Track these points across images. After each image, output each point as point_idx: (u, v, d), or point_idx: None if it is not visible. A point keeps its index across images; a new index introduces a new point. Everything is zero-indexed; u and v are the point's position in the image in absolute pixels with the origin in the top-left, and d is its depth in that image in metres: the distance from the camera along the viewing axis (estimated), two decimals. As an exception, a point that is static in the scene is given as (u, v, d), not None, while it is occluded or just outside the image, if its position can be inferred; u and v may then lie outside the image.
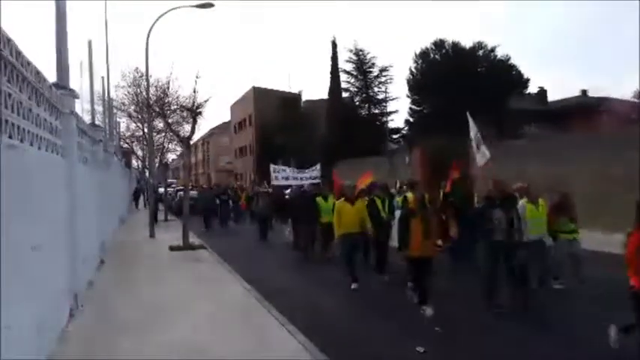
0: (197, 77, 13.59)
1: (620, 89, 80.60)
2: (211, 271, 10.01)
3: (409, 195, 9.03)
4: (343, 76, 45.65)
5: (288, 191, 16.62)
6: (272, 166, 16.32)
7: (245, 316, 6.49)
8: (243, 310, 6.82)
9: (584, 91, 36.99)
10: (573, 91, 39.63)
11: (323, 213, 11.18)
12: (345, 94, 45.75)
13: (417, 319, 6.42)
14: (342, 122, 40.82)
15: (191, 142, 17.76)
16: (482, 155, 11.32)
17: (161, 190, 27.41)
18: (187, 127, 15.73)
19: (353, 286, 8.14)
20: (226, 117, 63.11)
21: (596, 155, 14.70)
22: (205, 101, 14.24)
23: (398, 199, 10.39)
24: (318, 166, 16.39)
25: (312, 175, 16.02)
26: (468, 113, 12.35)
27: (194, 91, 13.74)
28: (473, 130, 11.94)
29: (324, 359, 4.90)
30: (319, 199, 11.53)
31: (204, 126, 70.26)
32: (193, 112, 14.25)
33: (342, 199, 8.61)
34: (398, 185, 13.92)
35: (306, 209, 11.49)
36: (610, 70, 72.83)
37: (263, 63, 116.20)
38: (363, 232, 8.48)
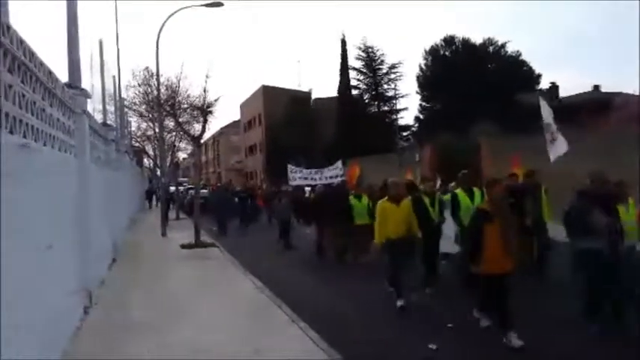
0: (207, 76, 13.67)
1: (633, 86, 79.56)
2: (223, 269, 10.06)
3: (459, 192, 7.92)
4: (353, 74, 45.66)
5: (308, 189, 16.16)
6: (289, 166, 15.42)
7: (256, 314, 6.51)
8: (253, 308, 6.84)
9: (596, 87, 36.52)
10: (586, 87, 39.17)
11: (357, 214, 10.30)
12: (354, 92, 45.71)
13: (427, 316, 6.41)
14: (352, 120, 40.75)
15: (201, 141, 17.82)
16: (558, 146, 9.75)
17: (172, 188, 27.60)
18: (198, 126, 15.74)
19: (399, 302, 6.69)
20: (236, 116, 63.36)
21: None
22: (215, 100, 14.34)
23: (445, 197, 8.58)
24: (339, 164, 15.17)
25: (332, 174, 14.92)
26: (540, 97, 11.27)
27: (204, 90, 13.83)
28: (547, 116, 10.41)
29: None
30: (353, 199, 10.59)
31: (215, 125, 70.59)
32: (204, 110, 14.33)
33: (385, 198, 7.13)
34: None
35: (337, 210, 10.46)
36: (623, 67, 71.84)
37: (273, 61, 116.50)
38: (411, 238, 7.02)
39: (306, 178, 15.35)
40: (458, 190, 8.02)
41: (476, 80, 35.63)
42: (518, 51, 39.79)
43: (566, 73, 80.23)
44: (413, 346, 5.35)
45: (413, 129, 44.81)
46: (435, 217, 7.88)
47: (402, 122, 45.55)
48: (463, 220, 7.41)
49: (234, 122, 63.53)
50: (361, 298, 7.61)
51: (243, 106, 59.24)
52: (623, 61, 71.20)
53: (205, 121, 14.64)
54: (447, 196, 8.36)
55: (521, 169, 10.04)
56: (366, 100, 46.26)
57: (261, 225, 19.06)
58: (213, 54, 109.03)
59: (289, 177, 15.26)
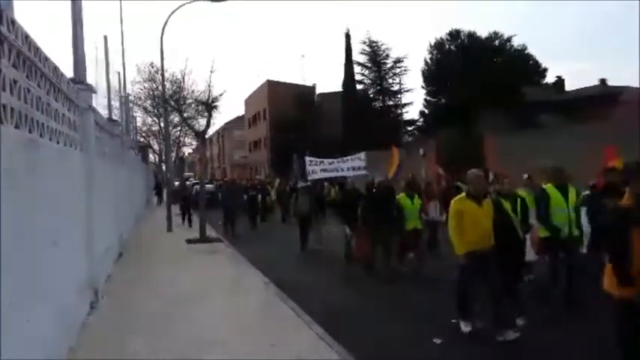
0: (212, 71, 13.69)
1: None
2: (229, 264, 10.08)
3: (549, 187, 6.52)
4: (357, 68, 45.51)
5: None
6: (307, 159, 14.32)
7: (260, 308, 6.53)
8: (259, 302, 6.86)
9: (602, 80, 36.25)
10: (593, 81, 38.90)
11: (409, 217, 8.87)
12: (359, 87, 45.56)
13: (433, 310, 6.42)
14: (356, 115, 40.67)
15: (206, 136, 17.87)
16: None
17: (177, 183, 27.66)
18: (203, 121, 15.83)
19: (463, 326, 5.58)
20: (241, 111, 63.38)
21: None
22: (220, 95, 14.39)
23: (524, 194, 7.00)
24: (362, 155, 13.94)
25: (355, 165, 13.78)
26: None
27: (209, 85, 13.87)
28: None
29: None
30: (402, 198, 9.01)
31: (220, 120, 70.80)
32: (208, 105, 14.37)
33: (463, 196, 5.62)
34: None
35: (382, 210, 8.74)
36: (630, 60, 71.23)
37: (277, 57, 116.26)
38: (490, 250, 5.43)
39: (326, 170, 14.19)
40: (548, 186, 6.60)
41: (481, 74, 35.43)
42: (524, 45, 39.55)
43: (572, 66, 79.64)
44: (418, 340, 5.36)
45: (418, 123, 44.67)
46: (518, 225, 5.85)
47: (406, 117, 45.47)
48: (555, 223, 6.32)
49: (239, 117, 63.57)
50: (367, 293, 7.64)
51: (248, 101, 59.25)
52: (631, 54, 70.59)
53: (210, 116, 14.70)
54: (529, 196, 7.04)
55: (618, 162, 8.59)
56: (371, 95, 46.09)
57: (271, 225, 18.20)
58: (218, 49, 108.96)
59: (308, 171, 14.24)
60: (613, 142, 14.74)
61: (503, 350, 5.04)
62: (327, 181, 14.86)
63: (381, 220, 8.59)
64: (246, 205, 16.96)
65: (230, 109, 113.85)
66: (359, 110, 41.59)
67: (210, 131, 34.75)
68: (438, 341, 5.25)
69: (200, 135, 15.46)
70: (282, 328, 5.63)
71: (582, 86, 36.23)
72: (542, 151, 16.35)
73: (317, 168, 14.08)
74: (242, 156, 61.73)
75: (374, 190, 9.66)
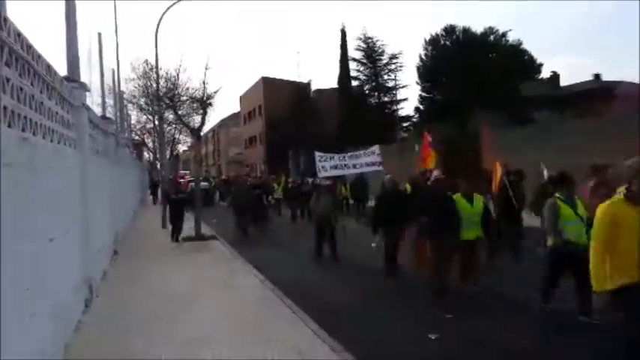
0: (206, 68, 13.65)
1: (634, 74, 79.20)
2: (224, 262, 10.09)
3: None
4: (352, 65, 45.55)
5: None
6: (317, 154, 13.05)
7: (256, 306, 6.54)
8: (254, 300, 6.87)
9: (597, 75, 36.37)
10: (587, 76, 38.93)
11: (466, 223, 6.87)
12: (354, 83, 45.60)
13: (428, 307, 6.47)
14: (352, 111, 40.71)
15: (201, 134, 17.80)
16: None
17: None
18: (197, 119, 15.73)
19: (545, 306, 5.83)
20: (236, 108, 63.23)
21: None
22: (215, 92, 14.34)
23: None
24: (376, 149, 12.84)
25: (369, 160, 12.70)
26: None
27: (204, 82, 13.82)
28: None
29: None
30: (459, 199, 7.03)
31: (214, 117, 70.69)
32: (203, 103, 14.32)
33: (620, 197, 3.69)
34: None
35: (446, 214, 6.86)
36: (625, 55, 71.50)
37: (272, 53, 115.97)
38: None
39: (337, 167, 12.96)
40: None
41: (476, 70, 35.50)
42: (519, 40, 39.67)
43: (566, 61, 79.83)
44: (413, 336, 5.39)
45: (413, 119, 44.76)
46: None
47: (402, 113, 45.57)
48: None
49: (234, 114, 63.44)
50: (364, 289, 7.66)
51: (243, 98, 59.12)
52: (625, 49, 70.85)
53: (205, 113, 14.65)
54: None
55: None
56: (366, 91, 46.16)
57: (276, 225, 16.61)
58: (213, 46, 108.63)
59: (318, 168, 12.97)
60: (609, 138, 14.86)
61: (496, 346, 5.08)
62: (330, 178, 13.49)
63: (446, 227, 6.73)
64: (252, 205, 15.05)
65: (225, 105, 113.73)
66: (354, 106, 41.64)
67: (205, 128, 34.78)
68: (433, 337, 5.28)
69: (195, 132, 15.41)
70: (277, 325, 5.64)
71: (577, 81, 36.34)
72: (538, 146, 16.44)
73: (327, 164, 12.88)
74: (237, 153, 61.61)
75: (417, 186, 8.93)
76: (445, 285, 6.82)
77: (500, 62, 37.18)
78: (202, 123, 14.92)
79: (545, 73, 39.67)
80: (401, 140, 33.50)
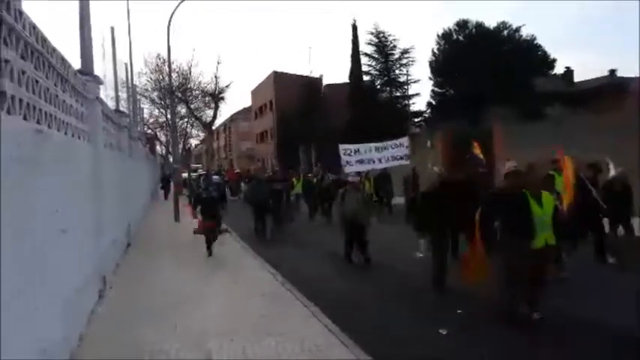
0: (218, 62, 13.79)
1: (651, 68, 77.69)
2: (236, 256, 10.12)
3: None
4: (364, 59, 45.36)
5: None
6: (341, 147, 11.84)
7: (268, 301, 6.54)
8: (266, 294, 6.89)
9: (612, 71, 35.87)
10: (602, 71, 38.54)
11: (540, 225, 5.46)
12: (366, 78, 45.43)
13: (437, 302, 6.45)
14: (364, 106, 40.53)
15: (213, 128, 17.91)
16: None
17: (184, 175, 27.67)
18: (209, 113, 15.87)
19: None
20: (247, 102, 63.31)
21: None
22: (227, 86, 14.43)
23: None
24: (405, 141, 11.68)
25: (397, 153, 11.52)
26: None
27: (215, 77, 13.89)
28: None
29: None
30: (528, 199, 5.51)
31: (226, 112, 70.86)
32: (215, 97, 14.42)
33: None
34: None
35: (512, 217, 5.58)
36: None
37: (284, 48, 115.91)
38: None
39: (362, 162, 11.75)
40: None
41: (489, 65, 35.17)
42: (532, 35, 39.24)
43: (581, 56, 78.72)
44: (423, 331, 5.39)
45: (425, 115, 44.51)
46: None
47: (414, 108, 45.35)
48: None
49: (246, 109, 63.51)
50: (374, 284, 7.66)
51: (254, 93, 59.16)
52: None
53: (217, 108, 14.84)
54: None
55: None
56: (378, 86, 45.96)
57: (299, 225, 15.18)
58: (225, 41, 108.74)
59: (342, 162, 11.86)
60: (623, 134, 14.66)
61: (504, 338, 5.06)
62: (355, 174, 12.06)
63: (523, 232, 5.41)
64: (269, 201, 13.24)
65: (237, 100, 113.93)
66: (366, 101, 41.44)
67: (217, 122, 34.94)
68: (443, 332, 5.27)
69: (207, 126, 15.53)
70: (287, 319, 5.67)
71: (591, 77, 35.88)
72: (552, 142, 16.24)
73: (352, 159, 11.69)
74: (248, 147, 61.76)
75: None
76: (516, 307, 5.57)
77: (514, 57, 36.79)
78: (214, 117, 15.19)
79: (559, 69, 39.26)
80: (413, 136, 33.36)
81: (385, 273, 8.34)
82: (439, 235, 7.08)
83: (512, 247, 5.49)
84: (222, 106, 16.32)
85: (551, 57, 39.39)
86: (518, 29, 39.20)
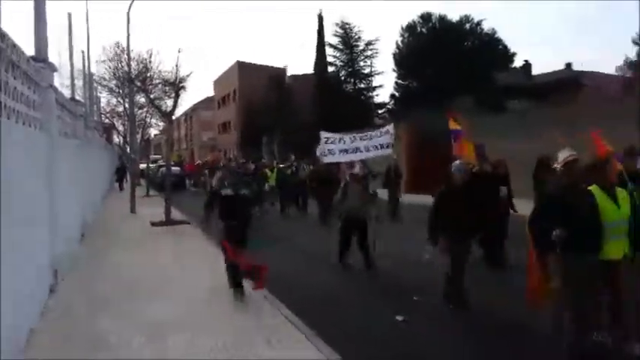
0: (179, 50, 13.44)
1: (606, 64, 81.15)
2: (195, 247, 9.99)
3: None
4: (329, 50, 45.36)
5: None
6: (323, 135, 11.00)
7: (226, 289, 6.44)
8: (225, 282, 6.83)
9: (568, 65, 37.13)
10: (559, 65, 39.83)
11: (609, 234, 4.08)
12: (330, 69, 45.48)
13: (394, 288, 6.57)
14: (328, 97, 40.60)
15: (173, 117, 17.52)
16: None
17: (143, 166, 27.03)
18: (170, 102, 15.52)
19: None
20: (210, 92, 62.35)
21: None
22: (188, 75, 14.15)
23: None
24: (390, 128, 10.85)
25: (382, 141, 10.86)
26: None
27: (176, 65, 13.61)
28: None
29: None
30: (598, 195, 4.14)
31: (187, 101, 69.56)
32: (176, 86, 14.12)
33: None
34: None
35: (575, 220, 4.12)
36: (597, 43, 73.07)
37: (248, 37, 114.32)
38: None
39: (346, 151, 10.95)
40: None
41: (452, 58, 35.81)
42: (493, 29, 40.14)
43: (539, 51, 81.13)
44: (381, 317, 5.50)
45: (389, 106, 44.98)
46: None
47: (378, 100, 45.78)
48: None
49: (208, 98, 62.55)
50: (332, 271, 7.71)
51: (217, 82, 58.30)
52: (597, 39, 72.37)
53: (177, 97, 14.43)
54: None
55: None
56: (343, 77, 46.07)
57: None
58: (187, 29, 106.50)
59: (323, 151, 11.18)
60: (579, 126, 15.20)
61: (462, 326, 5.22)
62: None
63: (591, 242, 4.08)
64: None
65: (198, 90, 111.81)
66: (331, 92, 41.53)
67: (178, 112, 34.15)
68: (400, 318, 5.38)
69: (167, 116, 15.16)
70: (247, 309, 5.65)
71: (549, 70, 37.08)
72: (512, 134, 16.76)
73: (335, 148, 10.89)
74: (210, 138, 60.89)
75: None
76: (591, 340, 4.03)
77: (476, 51, 37.60)
78: (174, 106, 14.71)
79: (518, 62, 40.35)
80: (376, 127, 33.69)
81: (373, 274, 7.83)
82: (459, 240, 5.83)
83: (578, 262, 4.07)
84: (183, 95, 15.95)
85: (511, 51, 40.43)
86: (479, 23, 40.05)
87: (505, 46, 40.20)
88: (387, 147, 10.45)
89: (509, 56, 40.28)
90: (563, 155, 4.59)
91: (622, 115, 13.37)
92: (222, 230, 6.37)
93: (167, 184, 13.82)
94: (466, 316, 5.50)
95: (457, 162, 6.29)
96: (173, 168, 22.05)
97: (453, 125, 9.05)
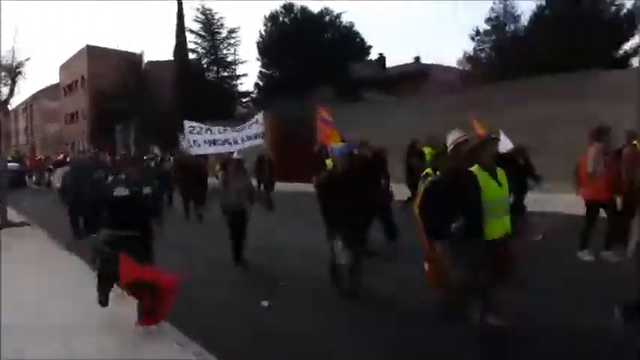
0: (16, 31, 11.92)
1: (449, 58, 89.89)
2: (39, 248, 8.85)
3: None
4: (190, 37, 43.71)
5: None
6: (187, 124, 10.14)
7: (74, 288, 5.89)
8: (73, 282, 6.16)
9: (417, 58, 40.29)
10: (409, 58, 42.98)
11: (491, 213, 4.30)
12: (192, 56, 44.02)
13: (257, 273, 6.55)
14: (189, 85, 39.31)
15: (9, 107, 15.43)
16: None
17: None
18: (5, 90, 13.68)
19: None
20: (54, 79, 56.24)
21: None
22: (26, 60, 12.78)
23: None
24: (260, 117, 10.38)
25: (253, 132, 10.28)
26: None
27: (12, 49, 12.22)
28: None
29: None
30: (482, 175, 4.32)
31: (27, 89, 62.11)
32: (12, 72, 12.68)
33: None
34: None
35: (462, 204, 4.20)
36: (442, 39, 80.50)
37: (100, 20, 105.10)
38: None
39: (215, 143, 10.15)
40: None
41: (313, 49, 36.81)
42: (351, 22, 42.03)
43: (392, 45, 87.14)
44: (245, 304, 5.39)
45: (252, 95, 44.83)
46: None
47: (241, 89, 45.35)
48: None
49: (53, 86, 56.34)
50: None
51: (63, 68, 52.76)
52: (442, 35, 79.68)
53: (14, 84, 12.99)
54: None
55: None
56: (205, 65, 44.81)
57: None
58: (27, 8, 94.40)
59: (188, 142, 10.31)
60: (428, 116, 16.49)
61: (325, 312, 5.17)
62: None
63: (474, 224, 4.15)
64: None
65: (41, 77, 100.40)
66: (192, 80, 40.24)
67: (15, 102, 30.22)
68: (265, 304, 5.29)
69: (1, 105, 13.37)
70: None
71: (400, 63, 39.92)
72: (370, 124, 17.58)
73: (200, 138, 10.07)
74: (56, 130, 55.03)
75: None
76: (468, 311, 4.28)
77: (335, 42, 39.10)
78: (10, 94, 13.10)
79: (373, 55, 42.75)
80: (240, 117, 33.32)
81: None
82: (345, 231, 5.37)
83: (464, 244, 4.07)
84: (21, 82, 14.15)
85: (368, 44, 42.68)
86: (339, 16, 41.54)
87: (362, 39, 42.35)
88: (258, 137, 10.14)
89: (366, 49, 42.49)
90: (453, 137, 4.46)
91: (464, 105, 14.73)
92: (109, 244, 4.66)
93: (2, 183, 12.10)
94: (342, 300, 5.47)
95: (338, 144, 5.87)
96: (11, 164, 20.09)
97: (322, 114, 9.12)
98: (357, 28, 43.12)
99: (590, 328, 4.28)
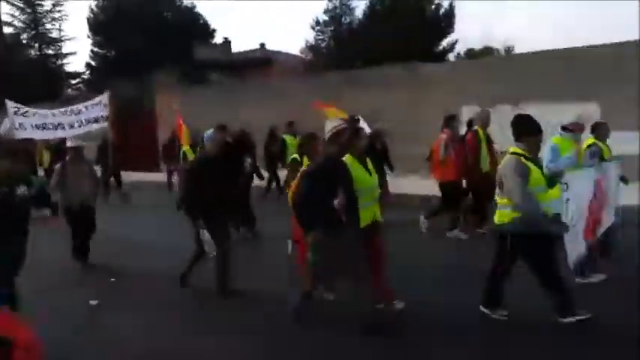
0: None
1: (292, 45, 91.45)
2: None
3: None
4: (5, 8, 38.05)
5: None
6: (10, 104, 8.83)
7: None
8: None
9: (262, 45, 40.39)
10: (255, 44, 42.78)
11: (364, 201, 4.48)
12: (8, 30, 38.48)
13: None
14: (4, 62, 34.37)
15: None
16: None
17: None
18: None
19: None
20: None
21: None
22: None
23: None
24: (104, 98, 9.36)
25: (94, 114, 9.12)
26: None
27: None
28: None
29: None
30: (354, 165, 4.49)
31: None
32: None
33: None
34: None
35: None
36: (288, 27, 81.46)
37: None
38: None
39: (44, 127, 8.83)
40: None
41: (153, 28, 34.73)
42: (192, 3, 40.42)
43: (238, 30, 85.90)
44: (77, 301, 5.17)
45: (84, 76, 40.77)
46: None
47: (70, 68, 40.91)
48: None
49: None
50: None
51: None
52: (287, 22, 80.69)
53: None
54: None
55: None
56: (24, 41, 39.45)
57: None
58: None
59: (10, 125, 8.97)
60: (274, 99, 16.77)
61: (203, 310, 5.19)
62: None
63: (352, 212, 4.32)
64: None
65: None
66: (8, 56, 35.22)
67: None
68: (94, 302, 5.11)
69: None
70: None
71: (246, 49, 39.69)
72: (216, 107, 17.23)
73: (27, 121, 8.78)
74: None
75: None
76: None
77: (175, 23, 37.33)
78: None
79: (218, 39, 41.76)
80: (71, 99, 30.19)
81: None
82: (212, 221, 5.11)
83: (333, 232, 4.08)
84: None
85: (212, 27, 41.44)
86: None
87: (206, 22, 40.99)
88: (101, 120, 9.20)
89: (210, 32, 41.26)
90: (331, 124, 4.37)
91: (308, 90, 15.20)
92: None
93: None
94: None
95: (209, 131, 5.69)
96: None
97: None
98: (200, 10, 41.60)
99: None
